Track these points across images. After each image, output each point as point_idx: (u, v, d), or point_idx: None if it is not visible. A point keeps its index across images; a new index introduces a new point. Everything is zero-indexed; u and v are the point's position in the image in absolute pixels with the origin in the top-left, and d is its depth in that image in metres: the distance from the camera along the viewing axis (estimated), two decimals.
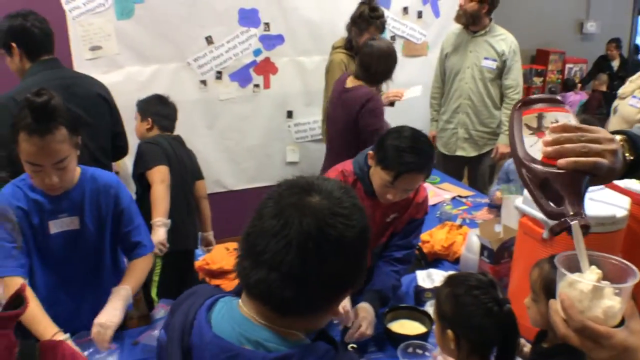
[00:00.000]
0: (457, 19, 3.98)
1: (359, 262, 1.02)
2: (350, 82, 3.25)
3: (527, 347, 1.80)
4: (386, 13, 3.95)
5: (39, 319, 1.79)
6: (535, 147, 0.96)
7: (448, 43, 4.15)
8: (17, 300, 1.02)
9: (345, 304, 1.95)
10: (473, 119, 4.08)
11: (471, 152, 4.18)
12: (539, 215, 1.91)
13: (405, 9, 4.80)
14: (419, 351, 1.95)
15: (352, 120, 3.18)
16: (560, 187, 0.91)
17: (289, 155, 4.69)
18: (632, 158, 1.00)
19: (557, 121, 0.97)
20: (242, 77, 4.36)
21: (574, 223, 0.88)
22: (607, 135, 0.96)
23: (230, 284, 2.90)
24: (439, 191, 3.63)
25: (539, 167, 0.93)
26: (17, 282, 1.82)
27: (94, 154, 2.63)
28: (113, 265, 2.09)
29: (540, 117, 0.99)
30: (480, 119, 4.08)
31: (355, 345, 1.91)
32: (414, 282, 2.39)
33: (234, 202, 4.48)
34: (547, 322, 1.50)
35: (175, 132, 3.09)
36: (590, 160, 0.91)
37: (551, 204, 0.92)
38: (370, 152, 2.09)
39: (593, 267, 0.88)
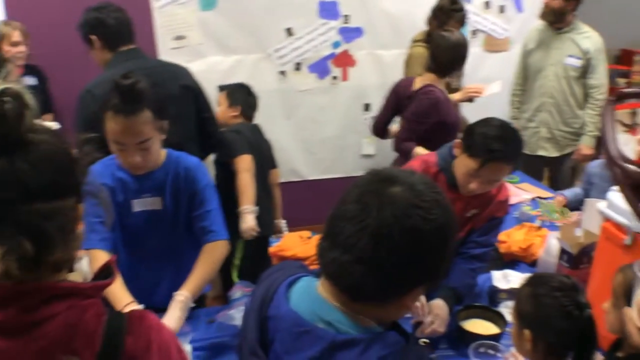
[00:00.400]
0: (543, 16, 3.85)
1: (436, 258, 1.01)
2: (418, 83, 3.20)
3: (600, 358, 1.73)
4: (467, 7, 3.88)
5: (117, 289, 1.87)
6: (629, 145, 0.92)
7: (530, 39, 4.02)
8: (107, 271, 1.08)
9: (421, 297, 1.93)
10: (556, 118, 3.95)
11: (553, 153, 4.04)
12: (623, 220, 1.84)
13: (487, 3, 4.67)
14: (491, 352, 1.92)
15: (422, 124, 3.15)
16: None
17: (365, 148, 4.69)
18: None
19: None
20: (320, 68, 4.40)
21: None
22: None
23: None
24: (518, 191, 3.53)
25: (634, 168, 0.89)
26: (100, 254, 1.93)
27: (177, 141, 2.70)
28: (191, 245, 2.11)
29: (634, 114, 0.95)
30: (563, 118, 3.94)
31: (427, 341, 1.89)
32: (489, 281, 2.34)
33: (308, 191, 4.54)
34: (624, 331, 1.45)
35: (254, 121, 3.16)
36: None
37: None
38: (457, 140, 2.07)
39: None
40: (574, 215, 3.09)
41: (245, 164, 2.80)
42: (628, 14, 7.03)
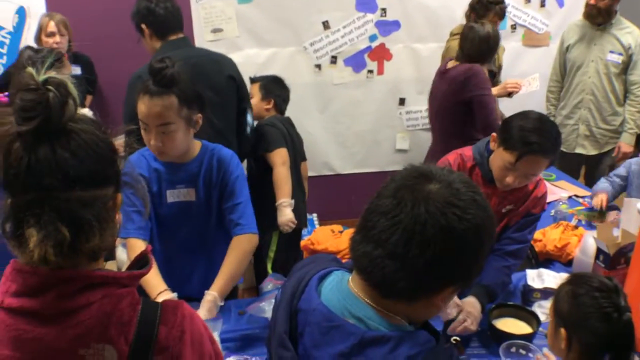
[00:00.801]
0: (589, 17, 3.76)
1: (469, 259, 1.00)
2: (452, 63, 3.25)
3: None
4: (507, 0, 3.82)
5: (151, 277, 1.91)
6: None
7: (570, 35, 3.93)
8: (142, 261, 1.09)
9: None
10: (595, 116, 3.87)
11: (591, 151, 3.96)
12: None
13: None
14: (522, 351, 1.89)
15: (454, 95, 3.15)
16: None
17: (399, 143, 4.66)
18: None
19: None
20: (356, 62, 4.38)
21: None
22: None
23: None
24: (554, 189, 3.47)
25: None
26: (137, 243, 1.97)
27: (219, 130, 2.74)
28: (223, 237, 2.13)
29: None
30: (602, 116, 3.86)
31: (458, 339, 1.88)
32: (523, 280, 2.31)
33: (341, 185, 4.54)
34: None
35: (289, 114, 3.18)
36: None
37: None
38: (494, 134, 2.05)
39: None
40: (612, 215, 3.02)
41: (281, 158, 2.83)
42: None
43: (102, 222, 0.97)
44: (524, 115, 1.99)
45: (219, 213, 2.12)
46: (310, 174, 3.65)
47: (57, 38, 3.57)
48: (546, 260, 2.68)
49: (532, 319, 2.07)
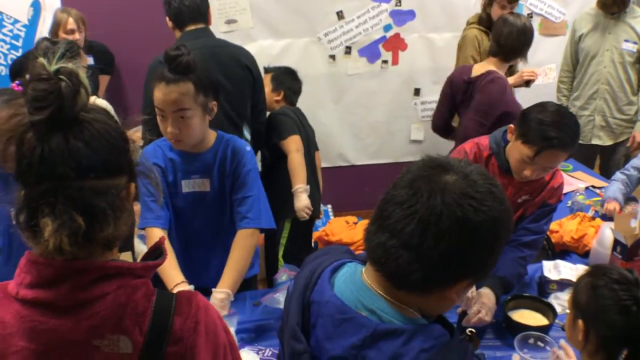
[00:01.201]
0: (604, 7, 3.69)
1: (484, 252, 0.99)
2: (477, 70, 3.11)
3: None
4: None
5: (169, 268, 1.93)
6: None
7: (582, 24, 3.86)
8: (157, 251, 1.10)
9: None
10: (611, 106, 3.81)
11: (607, 141, 3.91)
12: None
13: None
14: (539, 343, 1.88)
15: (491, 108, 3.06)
16: None
17: (414, 134, 4.63)
18: None
19: None
20: (370, 52, 4.35)
21: None
22: None
23: None
24: (571, 180, 3.44)
25: None
26: (156, 233, 1.99)
27: (231, 118, 2.76)
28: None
29: None
30: (618, 106, 3.81)
31: (473, 330, 1.87)
32: (539, 272, 2.30)
33: (355, 176, 4.53)
34: None
35: (303, 105, 3.18)
36: None
37: None
38: (511, 125, 2.02)
39: None
40: (630, 206, 2.98)
41: (295, 144, 2.84)
42: None
43: (116, 211, 0.97)
44: (541, 107, 1.96)
45: (232, 203, 2.12)
46: (324, 165, 3.64)
47: (77, 35, 3.59)
48: (563, 252, 2.67)
49: (548, 310, 2.06)
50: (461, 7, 4.21)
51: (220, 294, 1.93)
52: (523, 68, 3.54)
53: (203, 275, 2.06)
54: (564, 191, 3.07)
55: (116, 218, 0.97)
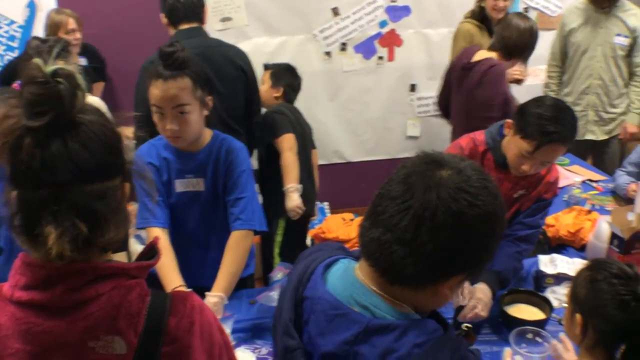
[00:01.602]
0: (595, 1, 3.65)
1: (478, 246, 0.99)
2: (479, 56, 3.12)
3: None
4: None
5: (168, 270, 1.92)
6: None
7: (572, 18, 3.81)
8: (152, 252, 1.09)
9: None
10: (604, 100, 3.79)
11: (600, 136, 3.88)
12: None
13: None
14: (537, 339, 1.87)
15: (467, 99, 3.07)
16: None
17: (410, 130, 4.63)
18: None
19: None
20: (366, 48, 4.35)
21: None
22: None
23: None
24: (568, 174, 3.44)
25: None
26: (156, 232, 1.99)
27: (224, 119, 2.75)
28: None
29: None
30: (610, 100, 3.79)
31: (469, 325, 1.87)
32: (535, 266, 2.30)
33: (351, 173, 4.53)
34: None
35: (299, 103, 3.18)
36: None
37: None
38: (508, 120, 2.03)
39: None
40: None
41: (288, 143, 2.83)
42: None
43: (115, 214, 0.97)
44: (539, 101, 1.96)
45: (224, 204, 2.12)
46: (321, 162, 3.64)
47: (77, 34, 3.61)
48: (559, 246, 2.67)
49: (544, 304, 2.05)
50: (456, 3, 4.21)
51: (214, 298, 1.90)
52: (514, 67, 3.53)
53: (198, 275, 2.05)
54: (561, 185, 3.08)
55: (116, 221, 0.97)
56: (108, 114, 1.02)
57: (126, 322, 0.97)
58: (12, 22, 3.86)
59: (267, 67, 3.22)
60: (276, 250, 2.89)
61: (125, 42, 3.79)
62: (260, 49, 4.09)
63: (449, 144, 2.74)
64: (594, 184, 3.34)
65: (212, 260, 2.12)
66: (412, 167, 1.00)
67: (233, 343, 1.87)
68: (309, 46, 4.25)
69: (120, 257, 2.32)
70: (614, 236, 2.31)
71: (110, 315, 0.96)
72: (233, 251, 2.02)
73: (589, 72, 3.77)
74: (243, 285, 2.20)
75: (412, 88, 4.53)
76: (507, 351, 1.79)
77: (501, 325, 2.02)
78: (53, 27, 3.57)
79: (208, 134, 2.07)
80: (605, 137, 3.89)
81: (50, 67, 0.90)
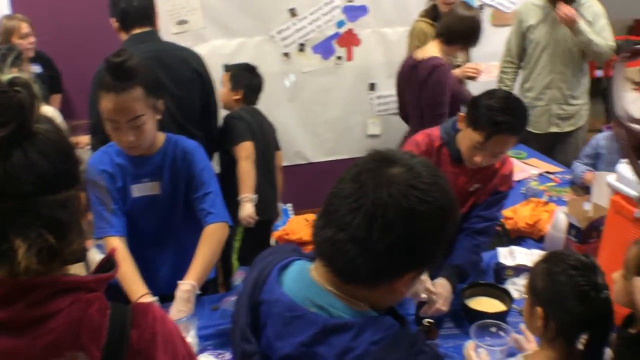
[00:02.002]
0: None
1: (431, 242, 1.00)
2: (422, 53, 3.17)
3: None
4: None
5: (131, 280, 1.90)
6: (636, 104, 0.89)
7: (529, 15, 3.81)
8: (109, 264, 1.07)
9: (424, 277, 1.92)
10: (566, 93, 3.80)
11: (565, 128, 3.90)
12: (633, 192, 1.81)
13: None
14: (496, 330, 1.90)
15: (418, 97, 3.13)
16: None
17: (370, 128, 4.66)
18: None
19: None
20: (324, 49, 4.36)
21: None
22: None
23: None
24: (525, 167, 3.49)
25: (638, 127, 0.86)
26: (114, 242, 1.95)
27: (181, 123, 2.71)
28: (190, 230, 2.10)
29: None
30: (572, 92, 3.82)
31: (431, 320, 1.89)
32: (495, 258, 2.33)
33: (313, 174, 4.52)
34: (631, 302, 1.42)
35: (259, 104, 3.15)
36: None
37: None
38: (461, 114, 2.06)
39: None
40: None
41: (245, 152, 2.81)
42: None
43: (78, 224, 0.95)
44: (490, 94, 2.00)
45: (186, 205, 2.11)
46: (283, 163, 3.63)
47: (31, 39, 3.54)
48: (518, 238, 2.71)
49: (505, 296, 2.08)
50: (413, 2, 4.25)
51: (185, 286, 1.90)
52: (474, 61, 3.59)
53: (155, 279, 2.03)
54: (518, 178, 3.15)
55: (78, 231, 0.95)
56: (62, 124, 1.00)
57: (88, 337, 0.94)
58: None
59: (227, 68, 3.20)
60: (234, 256, 2.87)
61: (79, 49, 3.71)
62: (218, 51, 4.07)
63: None
64: (552, 176, 3.40)
65: (170, 264, 2.12)
66: (363, 165, 1.00)
67: (197, 349, 1.86)
68: (267, 47, 4.23)
69: (78, 268, 2.27)
70: (571, 226, 2.34)
71: (72, 330, 0.93)
72: (207, 242, 2.02)
73: (550, 67, 3.77)
74: (205, 290, 2.17)
75: (372, 87, 4.56)
76: (469, 344, 1.81)
77: (463, 319, 2.04)
78: (6, 33, 3.50)
79: (161, 137, 2.05)
80: (570, 129, 3.91)
81: (6, 76, 0.88)
